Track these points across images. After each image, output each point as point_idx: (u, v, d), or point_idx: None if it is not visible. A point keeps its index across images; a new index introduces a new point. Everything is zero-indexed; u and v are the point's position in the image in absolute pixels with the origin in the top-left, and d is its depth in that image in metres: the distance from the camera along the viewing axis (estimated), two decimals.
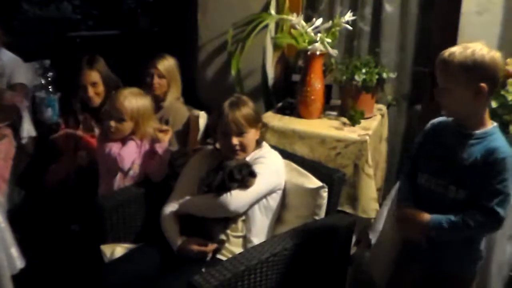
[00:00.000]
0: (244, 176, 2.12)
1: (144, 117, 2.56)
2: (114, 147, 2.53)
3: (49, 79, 3.01)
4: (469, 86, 1.70)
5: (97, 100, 2.93)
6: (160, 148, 2.55)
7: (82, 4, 6.89)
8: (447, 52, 1.74)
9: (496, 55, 1.71)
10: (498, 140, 1.76)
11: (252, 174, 2.14)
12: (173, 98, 2.98)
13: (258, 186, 2.16)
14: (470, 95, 1.71)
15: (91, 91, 2.92)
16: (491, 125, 1.80)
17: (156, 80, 2.95)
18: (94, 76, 2.93)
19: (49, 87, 2.98)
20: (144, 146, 2.59)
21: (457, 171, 1.79)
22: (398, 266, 2.13)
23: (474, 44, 1.72)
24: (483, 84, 1.69)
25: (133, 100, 2.53)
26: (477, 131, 1.78)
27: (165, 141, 2.57)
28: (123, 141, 2.56)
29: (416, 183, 1.94)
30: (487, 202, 1.71)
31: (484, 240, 1.92)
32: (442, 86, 1.76)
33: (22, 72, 3.74)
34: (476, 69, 1.68)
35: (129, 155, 2.54)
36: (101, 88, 2.94)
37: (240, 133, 2.22)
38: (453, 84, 1.72)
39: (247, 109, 2.23)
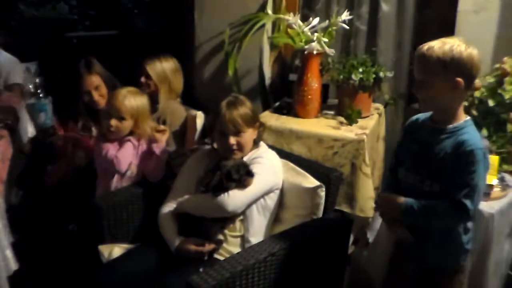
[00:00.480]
0: (242, 176, 2.12)
1: (143, 116, 2.57)
2: (111, 149, 2.53)
3: (37, 83, 2.99)
4: (446, 80, 1.74)
5: (102, 102, 2.92)
6: (157, 149, 2.55)
7: (78, 4, 6.88)
8: (426, 46, 1.76)
9: (474, 51, 1.74)
10: (469, 133, 1.79)
11: (250, 174, 2.14)
12: (166, 99, 2.96)
13: (256, 186, 2.16)
14: (447, 89, 1.75)
15: (95, 95, 2.93)
16: (463, 119, 1.83)
17: (143, 79, 2.94)
18: (96, 79, 2.94)
19: (38, 91, 2.96)
20: (141, 146, 2.59)
21: (431, 165, 1.84)
22: (391, 264, 2.15)
23: (453, 40, 1.76)
24: (459, 79, 1.73)
25: (131, 99, 2.54)
26: (450, 126, 1.82)
27: (163, 141, 2.57)
28: (120, 142, 2.56)
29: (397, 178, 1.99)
30: (455, 194, 1.74)
31: (470, 233, 1.94)
32: (420, 78, 1.80)
33: (19, 72, 3.74)
34: (454, 64, 1.72)
35: (126, 157, 2.54)
36: (104, 90, 2.95)
37: (237, 133, 2.22)
38: (431, 77, 1.76)
39: (245, 108, 2.23)
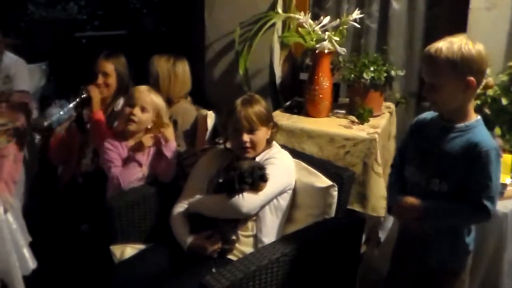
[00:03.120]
0: (256, 179, 2.12)
1: (163, 113, 2.61)
2: (114, 165, 2.52)
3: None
4: (458, 81, 1.71)
5: (105, 91, 2.91)
6: (167, 149, 2.55)
7: (88, 4, 6.90)
8: (433, 48, 1.73)
9: (481, 47, 1.71)
10: (481, 133, 1.77)
11: (263, 179, 2.13)
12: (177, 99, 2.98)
13: (270, 188, 2.15)
14: (459, 89, 1.72)
15: (100, 79, 2.90)
16: (474, 118, 1.81)
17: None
18: (108, 67, 2.92)
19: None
20: (152, 148, 2.59)
21: (440, 164, 1.82)
22: (393, 263, 2.15)
23: (458, 39, 1.72)
24: (471, 78, 1.70)
25: (153, 94, 2.60)
26: (460, 124, 1.80)
27: (171, 139, 2.57)
28: (126, 160, 2.56)
29: (404, 176, 1.98)
30: (476, 197, 1.74)
31: (473, 234, 1.94)
32: (431, 81, 1.76)
33: (25, 75, 3.74)
34: (464, 64, 1.69)
35: (129, 177, 2.52)
36: (111, 80, 2.93)
37: (251, 130, 2.21)
38: (442, 80, 1.72)
39: (259, 107, 2.23)
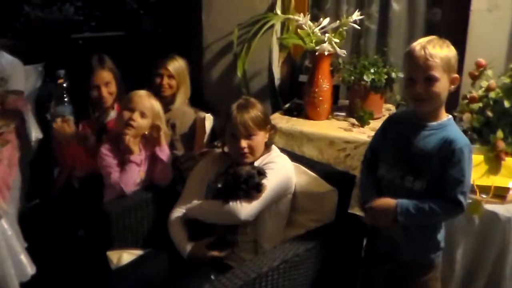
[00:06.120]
0: (255, 186, 2.08)
1: (161, 118, 2.57)
2: (113, 171, 2.47)
3: (64, 88, 2.89)
4: (447, 77, 1.81)
5: (109, 100, 2.87)
6: (161, 153, 2.51)
7: (84, 5, 6.88)
8: (422, 45, 1.80)
9: None
10: (455, 131, 1.86)
11: (258, 188, 2.09)
12: (182, 100, 2.95)
13: (269, 194, 2.12)
14: (448, 85, 1.83)
15: (104, 91, 2.85)
16: (446, 117, 1.89)
17: (165, 81, 2.92)
18: (107, 75, 2.87)
19: (64, 96, 2.87)
20: (145, 153, 2.55)
21: (414, 161, 1.88)
22: (367, 261, 2.18)
23: (436, 37, 1.84)
24: (457, 75, 1.84)
25: (153, 100, 2.56)
26: (434, 123, 1.87)
27: (163, 143, 2.53)
28: (123, 163, 2.51)
29: (377, 175, 2.02)
30: (451, 193, 1.81)
31: (443, 230, 2.00)
32: (426, 76, 1.79)
33: (20, 77, 3.71)
34: (453, 62, 1.82)
35: (131, 178, 2.48)
36: (113, 88, 2.89)
37: (249, 136, 2.18)
38: (439, 74, 1.79)
39: (256, 111, 2.20)
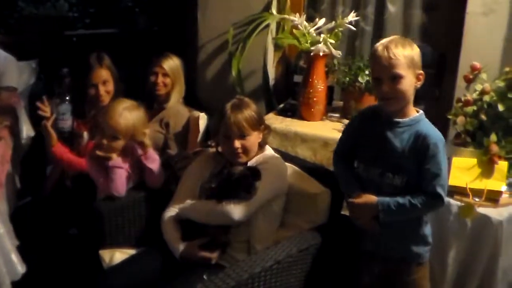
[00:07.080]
0: (248, 186, 2.07)
1: (139, 130, 2.43)
2: (101, 180, 2.43)
3: (66, 84, 2.86)
4: (413, 74, 1.86)
5: (106, 99, 2.84)
6: (148, 161, 2.43)
7: (78, 2, 6.85)
8: (384, 45, 1.84)
9: None
10: (427, 126, 1.91)
11: (248, 190, 2.08)
12: (176, 99, 2.94)
13: (262, 194, 2.11)
14: (413, 83, 1.88)
15: (102, 90, 2.83)
16: (417, 112, 1.94)
17: (160, 79, 2.90)
18: (105, 74, 2.85)
19: (66, 94, 2.83)
20: (131, 160, 2.48)
21: (391, 158, 1.93)
22: (358, 259, 2.18)
23: (398, 36, 1.90)
24: (422, 72, 1.89)
25: (128, 116, 2.40)
26: (406, 119, 1.92)
27: (149, 146, 2.44)
28: (109, 171, 2.42)
29: (357, 171, 2.07)
30: (429, 186, 1.87)
31: (429, 225, 2.03)
32: (392, 74, 1.84)
33: (14, 73, 3.68)
34: (417, 59, 1.87)
35: (120, 184, 2.41)
36: (111, 87, 2.86)
37: (242, 136, 2.17)
38: (404, 71, 1.84)
39: (250, 111, 2.19)
